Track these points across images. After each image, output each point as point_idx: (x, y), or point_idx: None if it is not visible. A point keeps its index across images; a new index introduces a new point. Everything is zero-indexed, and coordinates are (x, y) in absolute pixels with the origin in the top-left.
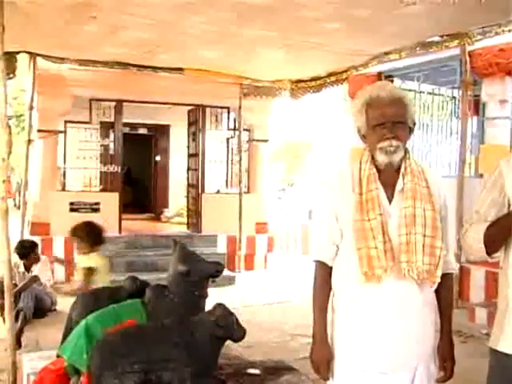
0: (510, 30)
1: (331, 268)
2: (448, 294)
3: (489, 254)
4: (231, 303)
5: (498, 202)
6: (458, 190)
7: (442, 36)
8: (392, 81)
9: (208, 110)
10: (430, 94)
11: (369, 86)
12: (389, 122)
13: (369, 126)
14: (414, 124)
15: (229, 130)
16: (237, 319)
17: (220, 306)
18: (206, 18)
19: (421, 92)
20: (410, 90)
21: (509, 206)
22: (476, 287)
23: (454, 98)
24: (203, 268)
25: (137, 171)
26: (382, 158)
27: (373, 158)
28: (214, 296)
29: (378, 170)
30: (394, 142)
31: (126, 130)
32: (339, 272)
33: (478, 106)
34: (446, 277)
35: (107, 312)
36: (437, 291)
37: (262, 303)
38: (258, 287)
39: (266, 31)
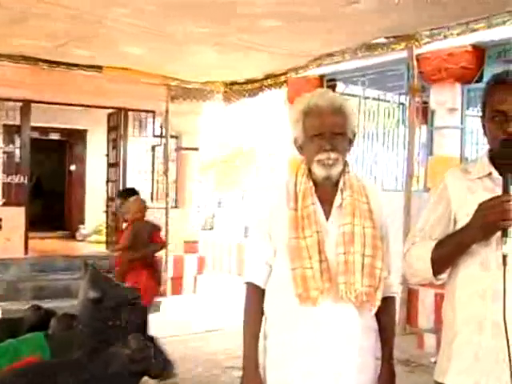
0: (459, 34)
1: (264, 290)
2: (389, 318)
3: (435, 275)
4: (155, 333)
5: (444, 218)
6: (405, 206)
7: (388, 38)
8: (335, 85)
9: (131, 114)
10: (375, 99)
11: (307, 94)
12: (327, 133)
13: (306, 136)
14: (355, 135)
15: (154, 136)
16: (155, 352)
17: (136, 337)
18: (129, 11)
19: (366, 98)
20: (354, 96)
21: (455, 222)
22: (425, 311)
23: (402, 104)
24: (118, 294)
25: (48, 182)
26: (319, 172)
27: (310, 171)
28: None
29: (316, 184)
30: (333, 155)
31: (35, 134)
32: (272, 294)
33: (427, 114)
34: (387, 300)
35: (3, 348)
36: (378, 316)
37: (191, 332)
38: (187, 314)
39: (196, 27)
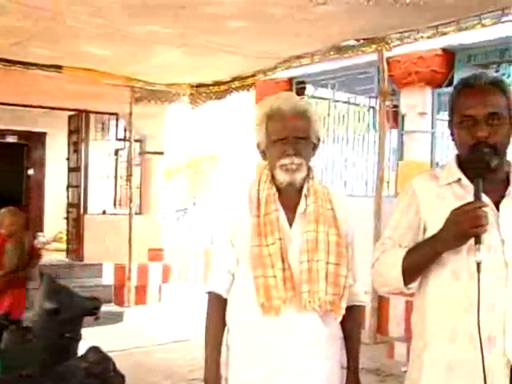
0: (429, 37)
1: (226, 300)
2: (355, 327)
3: (406, 283)
4: (118, 344)
5: (414, 225)
6: (375, 211)
7: (358, 40)
8: (304, 87)
9: (92, 117)
10: (345, 103)
11: (271, 97)
12: (290, 137)
13: (269, 140)
14: (319, 140)
15: (118, 140)
16: (114, 364)
17: (94, 349)
18: (90, 9)
19: (336, 101)
20: (323, 99)
21: (424, 230)
22: (395, 320)
23: (373, 108)
24: (76, 305)
25: (4, 187)
26: (282, 177)
27: (273, 176)
28: (97, 337)
29: (279, 190)
30: (296, 160)
31: None
32: (234, 304)
33: (397, 118)
34: (352, 309)
35: None
36: (344, 325)
37: (156, 343)
38: (151, 324)
39: (161, 28)
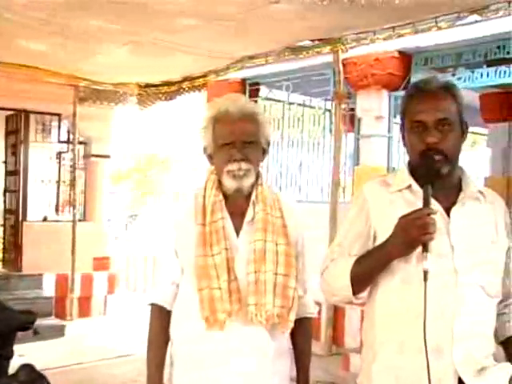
0: (385, 38)
1: (170, 312)
2: (305, 341)
3: (355, 293)
4: (59, 360)
5: (364, 233)
6: (331, 217)
7: (313, 41)
8: (258, 89)
9: (33, 117)
10: (300, 105)
11: (219, 99)
12: (238, 142)
13: (216, 145)
14: (269, 144)
15: (60, 142)
16: (48, 383)
17: (26, 367)
18: (29, 1)
19: (291, 103)
20: (278, 101)
21: (374, 238)
22: (351, 331)
23: (329, 111)
24: (7, 319)
25: None
26: (229, 183)
27: (220, 182)
28: (37, 352)
29: (226, 197)
30: (244, 165)
31: None
32: (178, 317)
33: (354, 122)
34: (302, 321)
35: None
36: (294, 338)
37: (99, 358)
38: (95, 338)
39: (107, 24)
